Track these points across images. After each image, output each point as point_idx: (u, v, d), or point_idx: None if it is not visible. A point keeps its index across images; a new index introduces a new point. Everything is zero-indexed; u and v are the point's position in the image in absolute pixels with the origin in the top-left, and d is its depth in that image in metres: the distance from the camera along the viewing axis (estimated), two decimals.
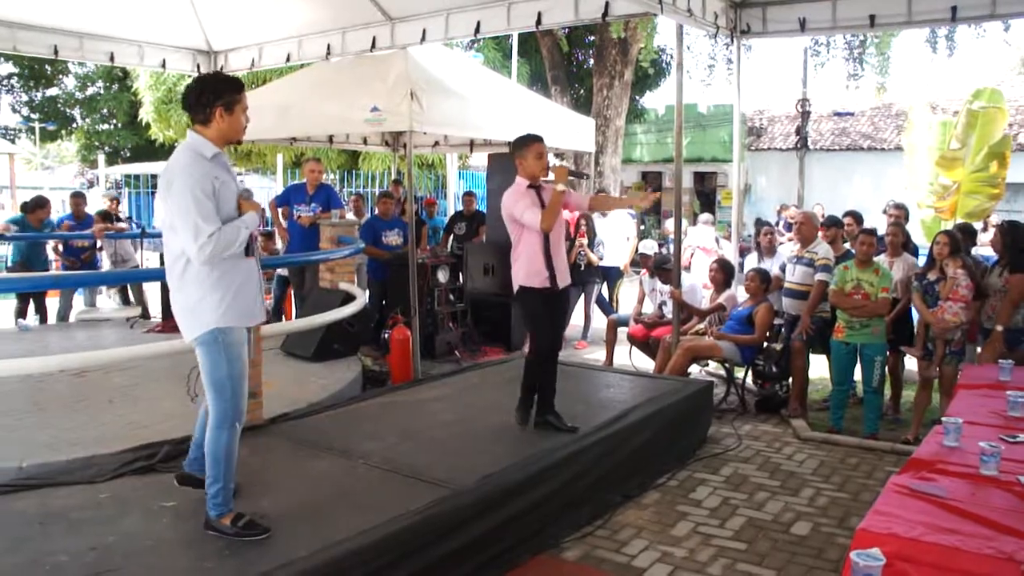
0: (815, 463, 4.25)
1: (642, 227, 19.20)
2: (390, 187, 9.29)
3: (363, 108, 5.49)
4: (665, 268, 6.01)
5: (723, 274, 5.75)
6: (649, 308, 6.55)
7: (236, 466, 2.65)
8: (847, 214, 5.86)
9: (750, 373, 5.56)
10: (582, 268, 7.32)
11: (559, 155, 10.88)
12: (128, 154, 22.35)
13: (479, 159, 13.50)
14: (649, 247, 6.95)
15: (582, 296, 7.56)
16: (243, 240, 2.59)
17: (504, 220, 3.67)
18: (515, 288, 3.64)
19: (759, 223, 6.56)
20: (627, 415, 3.95)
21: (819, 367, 5.62)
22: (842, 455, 4.37)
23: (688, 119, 17.70)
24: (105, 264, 7.62)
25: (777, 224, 10.17)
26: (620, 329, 6.60)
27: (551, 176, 3.61)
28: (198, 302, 2.57)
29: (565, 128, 7.40)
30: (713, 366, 5.95)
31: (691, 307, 5.75)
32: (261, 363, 3.87)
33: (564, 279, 3.68)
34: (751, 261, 6.14)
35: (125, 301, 7.92)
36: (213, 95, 2.60)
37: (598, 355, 6.90)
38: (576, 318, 7.72)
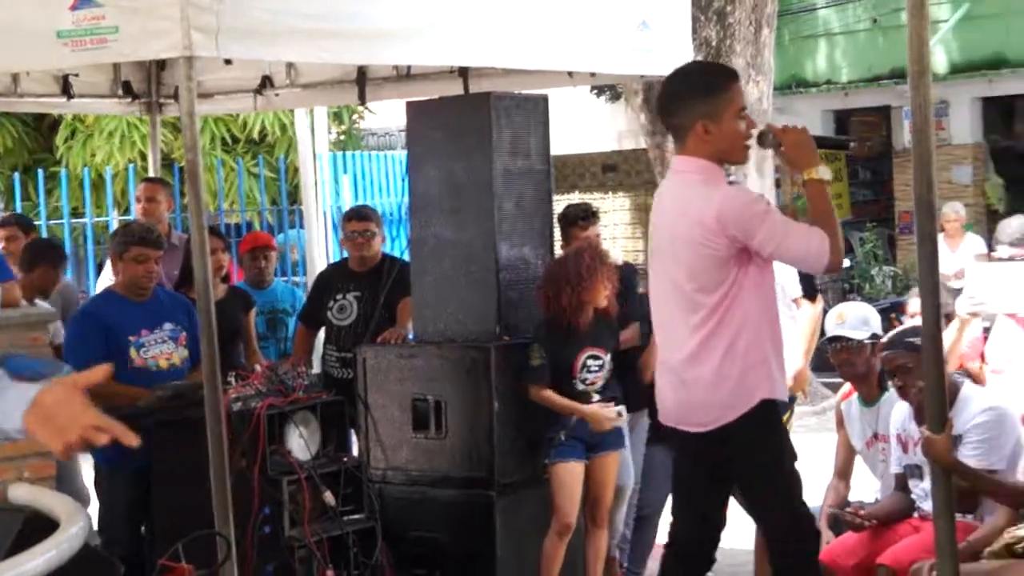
0: None
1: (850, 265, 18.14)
2: (139, 205, 10.01)
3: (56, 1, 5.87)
4: (901, 359, 6.11)
5: None
6: (867, 488, 6.74)
7: None
8: None
9: None
10: None
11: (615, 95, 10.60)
12: None
13: (386, 115, 14.05)
14: (857, 318, 6.87)
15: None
16: None
17: (671, 274, 5.25)
18: (737, 412, 5.19)
19: None
20: None
21: None
22: None
23: None
24: None
25: None
26: None
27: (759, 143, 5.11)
28: None
29: (613, 22, 7.82)
30: None
31: (988, 479, 5.86)
32: None
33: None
34: None
35: None
36: None
37: None
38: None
